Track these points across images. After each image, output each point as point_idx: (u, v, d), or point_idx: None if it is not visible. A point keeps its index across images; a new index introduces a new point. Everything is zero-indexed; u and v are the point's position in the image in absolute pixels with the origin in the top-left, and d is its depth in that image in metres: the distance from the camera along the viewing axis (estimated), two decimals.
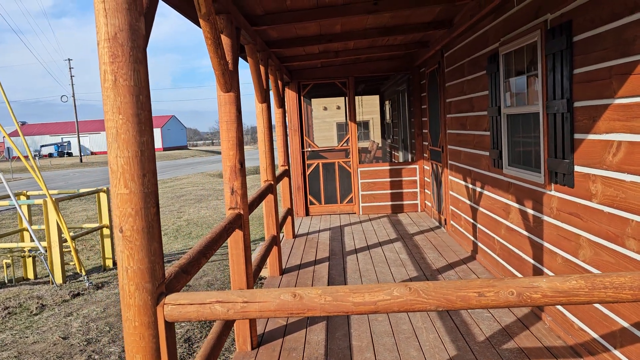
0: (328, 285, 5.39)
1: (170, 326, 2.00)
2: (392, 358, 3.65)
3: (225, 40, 3.67)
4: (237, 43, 3.89)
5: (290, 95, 9.29)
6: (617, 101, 2.96)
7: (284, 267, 6.19)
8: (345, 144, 9.46)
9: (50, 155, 69.25)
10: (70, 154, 71.66)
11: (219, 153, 72.80)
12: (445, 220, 7.64)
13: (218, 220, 13.36)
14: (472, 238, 6.25)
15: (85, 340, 5.12)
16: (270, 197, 5.69)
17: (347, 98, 9.27)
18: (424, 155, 9.05)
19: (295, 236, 7.88)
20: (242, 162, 3.81)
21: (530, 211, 4.36)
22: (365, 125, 22.40)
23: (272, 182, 5.64)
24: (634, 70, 2.77)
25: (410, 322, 4.26)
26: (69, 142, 73.44)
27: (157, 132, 75.59)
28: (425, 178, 9.13)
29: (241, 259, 3.79)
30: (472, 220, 6.24)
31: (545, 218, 4.06)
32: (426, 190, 9.16)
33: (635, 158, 2.82)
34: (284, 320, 4.45)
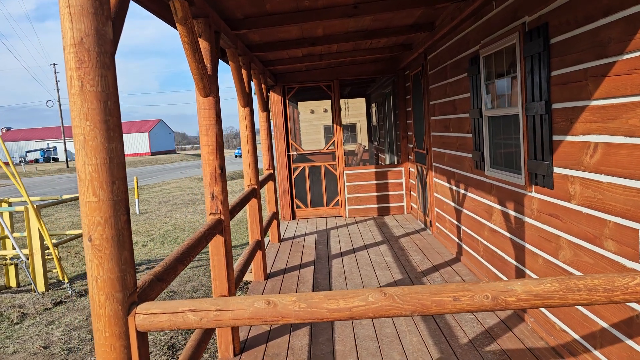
0: (313, 289, 5.36)
1: (142, 336, 1.96)
2: None
3: (203, 44, 3.64)
4: (216, 47, 3.87)
5: (275, 99, 9.26)
6: (594, 103, 2.97)
7: (269, 271, 6.15)
8: (331, 147, 9.44)
9: (36, 160, 68.53)
10: (56, 160, 70.96)
11: None
12: (430, 222, 7.65)
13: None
14: (457, 240, 6.26)
15: (66, 350, 5.05)
16: (254, 201, 5.66)
17: (332, 101, 9.26)
18: (410, 157, 9.07)
19: (281, 240, 7.84)
20: (222, 167, 3.77)
21: (512, 213, 4.38)
22: (352, 128, 22.49)
23: (256, 187, 5.61)
24: (609, 72, 2.79)
25: (394, 326, 4.25)
26: (55, 148, 72.74)
27: (144, 137, 75.09)
28: (411, 180, 9.14)
29: (222, 264, 3.75)
30: (456, 222, 6.25)
31: (527, 219, 4.08)
32: (412, 193, 9.17)
33: (611, 159, 2.83)
34: (268, 326, 4.41)
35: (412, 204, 9.25)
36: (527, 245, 4.10)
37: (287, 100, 9.36)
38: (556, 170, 3.51)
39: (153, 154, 74.98)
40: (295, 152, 9.50)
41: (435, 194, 7.24)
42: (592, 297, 1.84)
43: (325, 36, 6.02)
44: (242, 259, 4.89)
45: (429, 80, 7.14)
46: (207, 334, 3.19)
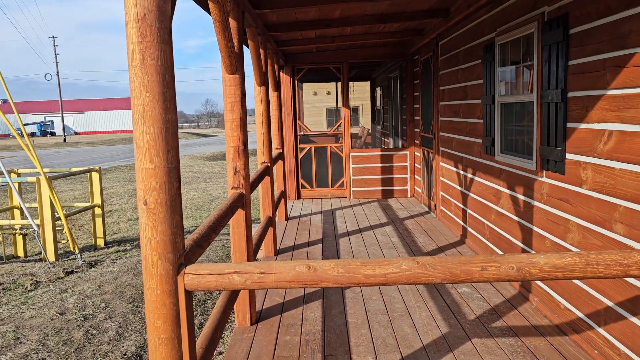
0: None
1: (189, 295, 2.10)
2: (387, 334, 3.80)
3: (232, 22, 3.74)
4: (243, 26, 3.96)
5: (284, 79, 9.34)
6: (610, 92, 3.10)
7: (278, 248, 6.31)
8: (338, 129, 9.55)
9: (33, 134, 68.24)
10: (53, 134, 70.72)
11: (206, 136, 72.34)
12: (435, 205, 7.81)
13: (207, 202, 13.42)
14: (462, 223, 6.43)
15: (82, 316, 5.21)
16: (267, 178, 5.79)
17: (341, 83, 9.34)
18: (415, 141, 9.19)
19: (287, 219, 7.99)
20: (245, 143, 3.90)
21: (521, 197, 4.53)
22: (354, 111, 22.55)
23: (269, 164, 5.74)
24: (628, 62, 2.91)
25: (403, 301, 4.42)
26: (52, 122, 72.43)
27: None
28: (416, 164, 9.28)
29: (243, 237, 3.90)
30: (462, 206, 6.40)
31: (536, 203, 4.23)
32: (416, 177, 9.32)
33: (625, 147, 2.97)
34: (281, 298, 4.58)
35: (415, 187, 9.40)
36: (535, 228, 4.26)
37: (296, 81, 9.44)
38: (568, 156, 3.65)
39: None
40: (302, 133, 9.61)
41: (441, 178, 7.39)
42: (610, 270, 1.98)
43: (341, 18, 6.10)
44: (256, 234, 5.04)
45: (440, 66, 7.24)
46: (231, 301, 3.34)
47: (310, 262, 2.05)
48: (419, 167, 8.95)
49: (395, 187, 9.52)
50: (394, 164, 9.46)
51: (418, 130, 8.87)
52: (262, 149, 5.72)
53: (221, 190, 15.72)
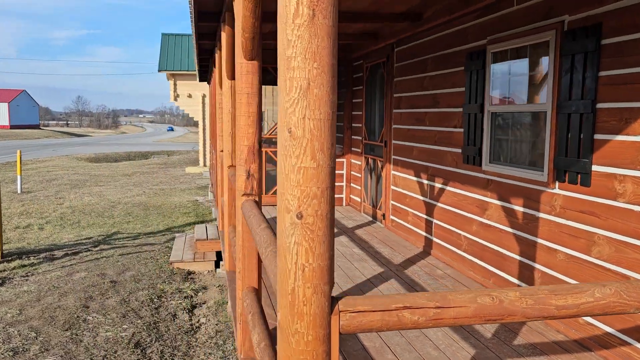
0: None
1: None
2: (415, 358, 3.45)
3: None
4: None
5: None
6: None
7: None
8: (273, 133, 9.06)
9: None
10: None
11: (78, 135, 66.76)
12: (383, 215, 7.62)
13: (107, 209, 12.10)
14: (424, 233, 6.28)
15: (10, 350, 4.20)
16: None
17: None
18: (355, 149, 8.97)
19: None
20: (260, 142, 3.34)
21: (520, 208, 4.43)
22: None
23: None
24: None
25: None
26: None
27: (3, 108, 67.07)
28: (353, 172, 9.06)
29: (254, 252, 3.32)
30: (425, 216, 6.25)
31: (543, 215, 4.14)
32: (352, 185, 9.10)
33: None
34: (274, 320, 4.02)
35: (351, 195, 9.18)
36: (541, 241, 4.17)
37: None
38: (596, 168, 3.59)
39: (13, 127, 67.27)
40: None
41: (394, 187, 7.22)
42: None
43: None
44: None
45: (395, 73, 7.08)
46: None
47: (491, 292, 1.63)
48: (359, 175, 8.74)
49: None
50: None
51: (360, 137, 8.66)
52: (230, 151, 5.10)
53: (120, 195, 14.33)
